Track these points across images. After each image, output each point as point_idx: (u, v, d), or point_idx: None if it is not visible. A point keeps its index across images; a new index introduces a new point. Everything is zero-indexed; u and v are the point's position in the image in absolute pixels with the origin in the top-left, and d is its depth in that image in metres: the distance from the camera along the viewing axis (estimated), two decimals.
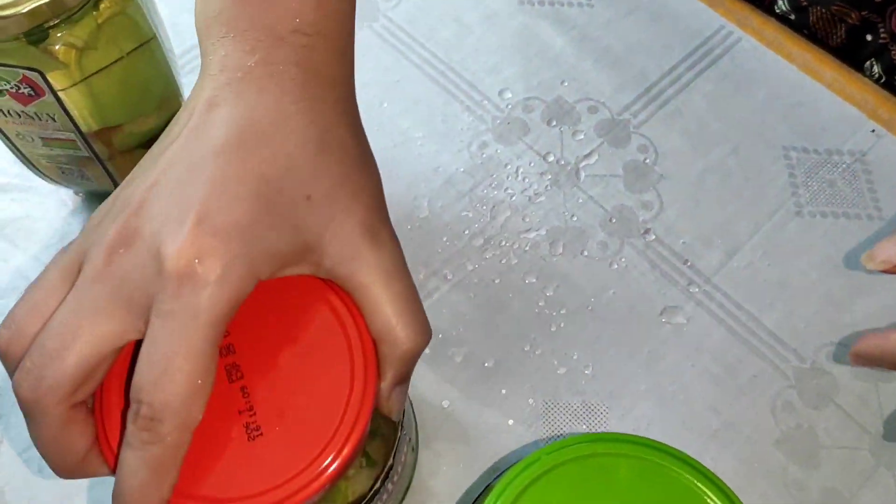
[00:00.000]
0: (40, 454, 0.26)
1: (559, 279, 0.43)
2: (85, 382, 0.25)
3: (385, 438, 0.30)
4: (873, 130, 0.47)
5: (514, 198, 0.45)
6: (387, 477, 0.30)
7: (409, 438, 0.34)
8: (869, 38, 0.49)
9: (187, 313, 0.24)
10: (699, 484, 0.30)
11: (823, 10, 0.49)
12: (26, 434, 0.26)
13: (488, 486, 0.31)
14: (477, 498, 0.33)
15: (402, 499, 0.37)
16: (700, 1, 0.51)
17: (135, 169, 0.28)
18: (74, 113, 0.37)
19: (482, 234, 0.44)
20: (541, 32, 0.51)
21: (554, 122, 0.48)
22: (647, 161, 0.46)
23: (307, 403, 0.26)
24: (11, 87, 0.35)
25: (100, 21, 0.35)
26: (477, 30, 0.51)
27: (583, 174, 0.46)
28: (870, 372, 0.41)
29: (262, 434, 0.26)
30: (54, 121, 0.37)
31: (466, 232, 0.44)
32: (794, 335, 0.42)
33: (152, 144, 0.42)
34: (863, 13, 0.48)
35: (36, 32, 0.33)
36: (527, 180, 0.46)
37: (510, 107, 0.48)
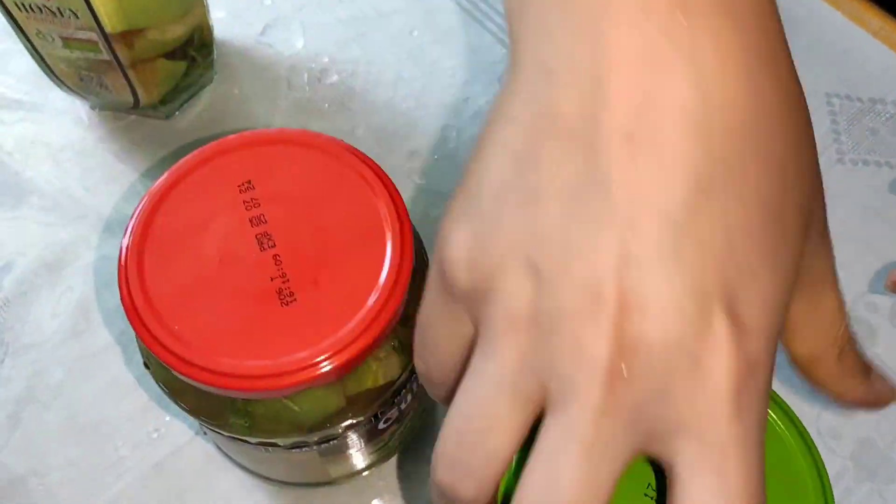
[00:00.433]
0: None
1: None
2: None
3: None
4: None
5: None
6: (413, 372, 0.29)
7: None
8: None
9: (748, 441, 0.18)
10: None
11: None
12: None
13: None
14: None
15: (419, 420, 0.35)
16: None
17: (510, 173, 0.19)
18: (99, 10, 0.35)
19: None
20: None
21: None
22: None
23: (341, 273, 0.26)
24: None
25: None
26: None
27: None
28: None
29: (296, 300, 0.25)
30: (77, 17, 0.36)
31: None
32: None
33: (175, 55, 0.41)
34: None
35: None
36: None
37: None
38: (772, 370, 0.18)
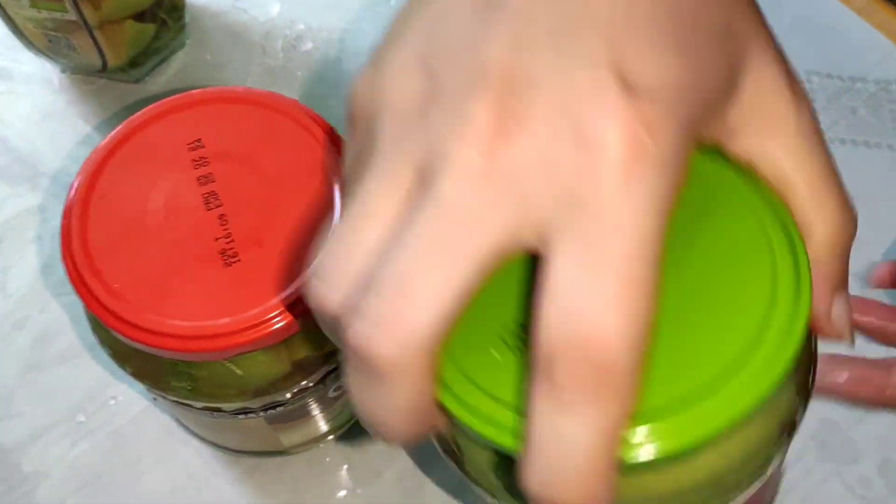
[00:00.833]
0: (381, 422, 0.18)
1: None
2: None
3: None
4: None
5: None
6: None
7: None
8: None
9: (636, 212, 0.16)
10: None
11: None
12: None
13: None
14: None
15: None
16: None
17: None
18: None
19: None
20: None
21: None
22: None
23: (287, 233, 0.25)
24: None
25: None
26: None
27: None
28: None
29: (238, 261, 0.25)
30: None
31: None
32: None
33: (144, 17, 0.40)
34: None
35: None
36: None
37: None
38: (678, 150, 0.17)
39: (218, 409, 0.28)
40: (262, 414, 0.28)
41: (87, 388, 0.37)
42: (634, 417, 0.16)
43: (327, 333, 0.19)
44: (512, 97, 0.16)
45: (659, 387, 0.17)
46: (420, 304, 0.16)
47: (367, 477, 0.35)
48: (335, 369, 0.28)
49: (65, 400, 0.36)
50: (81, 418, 0.36)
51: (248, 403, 0.27)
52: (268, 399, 0.28)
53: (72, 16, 0.37)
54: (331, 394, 0.30)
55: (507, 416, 0.17)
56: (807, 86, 0.44)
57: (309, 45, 0.45)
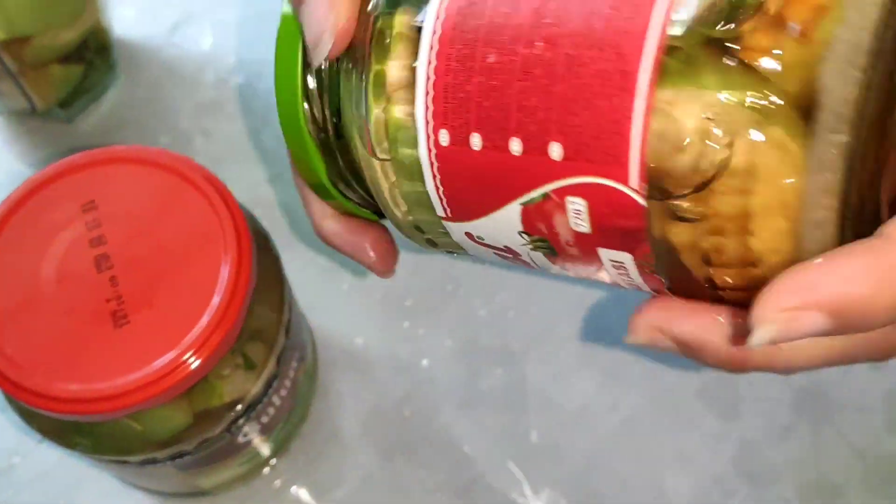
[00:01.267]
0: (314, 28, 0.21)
1: None
2: None
3: (268, 343, 0.29)
4: None
5: None
6: (269, 386, 0.29)
7: (302, 357, 0.33)
8: None
9: None
10: None
11: None
12: None
13: None
14: None
15: (298, 425, 0.36)
16: None
17: None
18: None
19: None
20: None
21: None
22: None
23: (177, 293, 0.26)
24: None
25: None
26: None
27: None
28: None
29: (129, 322, 0.26)
30: None
31: None
32: None
33: (70, 60, 0.41)
34: None
35: None
36: None
37: None
38: None
39: (124, 461, 0.28)
40: (169, 463, 0.29)
41: (19, 429, 0.37)
42: None
43: None
44: None
45: None
46: None
47: (328, 485, 0.36)
48: (240, 417, 0.29)
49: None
50: (15, 460, 0.37)
51: (153, 454, 0.28)
52: (174, 449, 0.28)
53: None
54: (240, 439, 0.30)
55: None
56: None
57: (240, 79, 0.45)
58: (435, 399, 0.38)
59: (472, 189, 0.20)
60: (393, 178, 0.21)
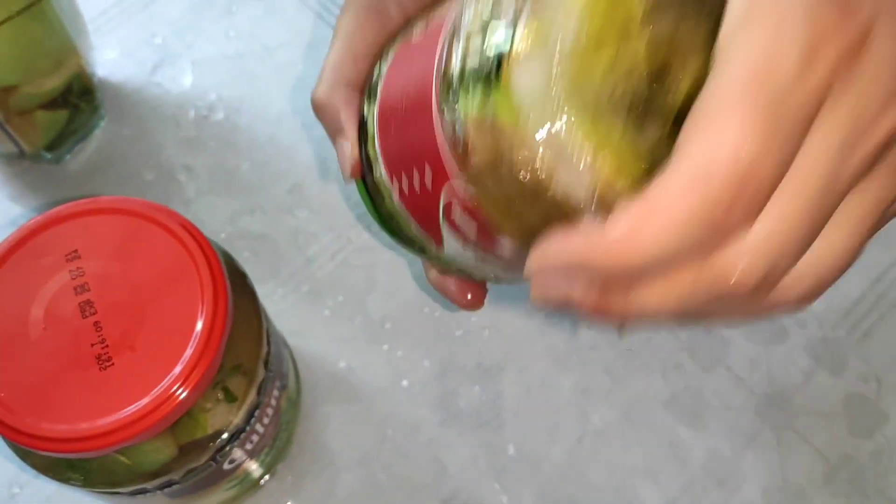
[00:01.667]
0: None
1: None
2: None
3: (248, 375, 0.30)
4: None
5: None
6: (252, 415, 0.31)
7: (284, 385, 0.35)
8: None
9: None
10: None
11: None
12: None
13: None
14: None
15: (284, 448, 0.38)
16: None
17: None
18: None
19: None
20: None
21: None
22: None
23: (158, 335, 0.28)
24: None
25: None
26: None
27: None
28: (761, 335, 0.41)
29: (113, 364, 0.27)
30: None
31: None
32: None
33: (55, 105, 0.43)
34: None
35: None
36: None
37: None
38: None
39: (115, 493, 0.30)
40: (159, 492, 0.31)
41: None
42: None
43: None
44: None
45: None
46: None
47: (316, 502, 0.38)
48: (225, 446, 0.31)
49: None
50: (15, 489, 0.39)
51: (143, 486, 0.30)
52: (162, 479, 0.30)
53: None
54: (226, 467, 0.32)
55: None
56: None
57: (220, 115, 0.47)
58: (415, 417, 0.40)
59: (427, 221, 0.25)
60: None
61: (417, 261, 0.43)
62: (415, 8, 0.28)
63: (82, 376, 0.27)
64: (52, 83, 0.41)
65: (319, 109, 0.29)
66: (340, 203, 0.45)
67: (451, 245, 0.25)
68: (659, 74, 0.19)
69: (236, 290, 0.31)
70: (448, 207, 0.23)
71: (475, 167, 0.20)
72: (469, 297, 0.31)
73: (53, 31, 0.40)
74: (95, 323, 0.28)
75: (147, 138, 0.46)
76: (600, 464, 0.39)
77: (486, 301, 0.41)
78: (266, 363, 0.32)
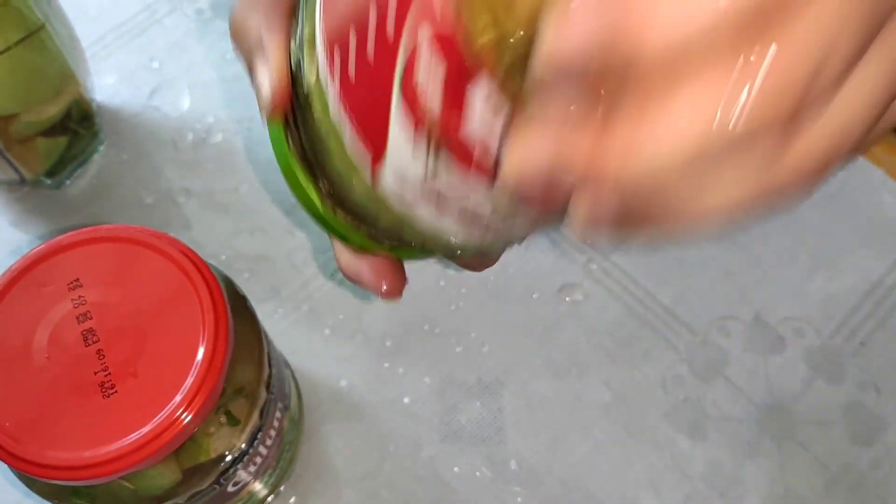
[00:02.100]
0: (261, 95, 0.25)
1: None
2: None
3: (250, 399, 0.31)
4: None
5: None
6: (255, 438, 0.31)
7: (286, 406, 0.35)
8: None
9: None
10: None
11: None
12: None
13: None
14: None
15: (288, 468, 0.38)
16: None
17: None
18: None
19: None
20: None
21: None
22: None
23: (160, 362, 0.28)
24: None
25: None
26: None
27: None
28: (760, 345, 0.41)
29: (116, 392, 0.28)
30: None
31: None
32: (688, 310, 0.42)
33: (54, 132, 0.43)
34: None
35: None
36: None
37: None
38: None
39: None
40: None
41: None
42: None
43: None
44: None
45: None
46: None
47: None
48: (228, 469, 0.31)
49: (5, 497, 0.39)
50: None
51: None
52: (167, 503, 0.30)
53: None
54: (230, 489, 0.32)
55: None
56: None
57: (219, 137, 0.47)
58: (417, 434, 0.40)
59: (371, 118, 0.20)
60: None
61: (417, 278, 0.43)
62: None
63: (86, 404, 0.28)
64: (52, 110, 0.42)
65: (237, 32, 0.25)
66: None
67: (399, 153, 0.20)
68: None
69: (237, 313, 0.31)
70: (409, 66, 0.18)
71: None
72: (385, 286, 0.27)
73: (52, 59, 0.40)
74: (98, 351, 0.28)
75: (146, 162, 0.47)
76: (602, 477, 0.39)
77: (481, 313, 0.42)
78: (268, 386, 0.32)
